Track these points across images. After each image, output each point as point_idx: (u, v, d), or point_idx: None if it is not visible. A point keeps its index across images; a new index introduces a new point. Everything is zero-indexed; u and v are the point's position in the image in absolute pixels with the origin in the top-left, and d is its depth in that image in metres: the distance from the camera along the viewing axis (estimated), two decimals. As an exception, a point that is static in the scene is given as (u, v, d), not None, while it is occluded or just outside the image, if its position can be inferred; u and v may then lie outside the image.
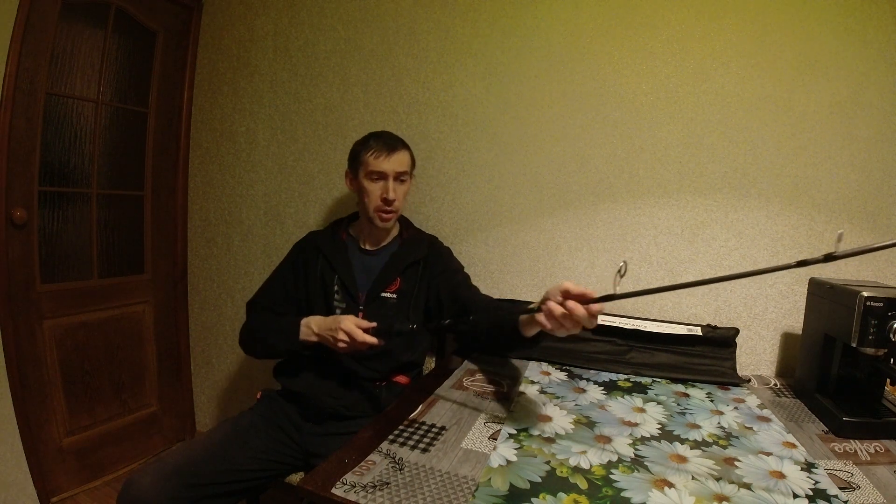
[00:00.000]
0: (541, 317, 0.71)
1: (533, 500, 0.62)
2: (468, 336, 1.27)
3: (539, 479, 0.66)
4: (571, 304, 0.65)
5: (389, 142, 1.16)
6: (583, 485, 0.65)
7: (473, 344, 1.26)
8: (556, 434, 0.81)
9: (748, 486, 0.66)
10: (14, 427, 1.38)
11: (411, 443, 0.76)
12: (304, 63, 1.63)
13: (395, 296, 1.16)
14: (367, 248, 1.23)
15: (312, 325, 1.06)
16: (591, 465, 0.71)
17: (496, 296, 1.41)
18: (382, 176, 1.14)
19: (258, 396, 1.19)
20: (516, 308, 0.95)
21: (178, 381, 1.91)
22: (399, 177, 1.16)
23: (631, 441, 0.80)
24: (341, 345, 0.99)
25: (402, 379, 1.18)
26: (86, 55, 1.53)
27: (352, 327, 0.97)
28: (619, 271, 0.65)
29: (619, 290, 0.64)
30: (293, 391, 1.13)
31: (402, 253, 1.20)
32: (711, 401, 1.00)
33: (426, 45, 1.47)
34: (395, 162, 1.15)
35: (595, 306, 0.66)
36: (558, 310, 0.67)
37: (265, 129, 1.70)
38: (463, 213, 1.47)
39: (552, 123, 1.36)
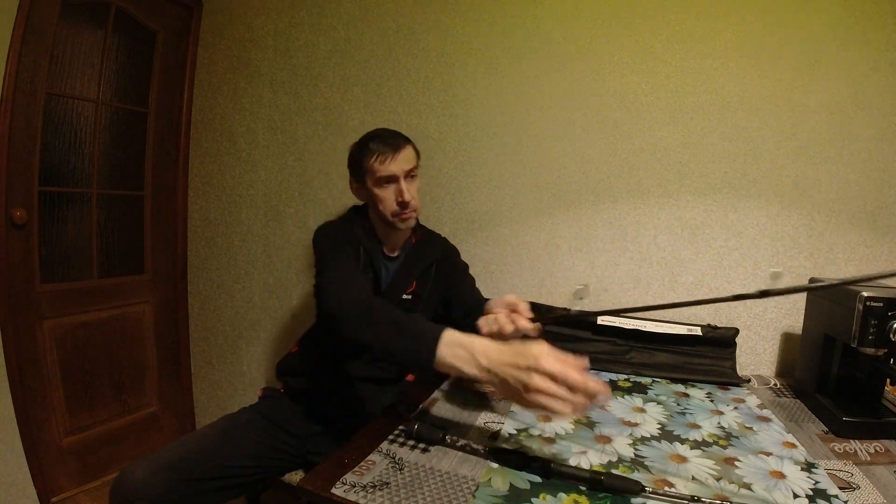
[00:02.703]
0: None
1: (533, 500, 0.62)
2: None
3: (539, 480, 0.66)
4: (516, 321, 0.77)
5: (391, 141, 1.06)
6: (583, 485, 0.65)
7: None
8: (556, 434, 0.81)
9: (748, 486, 0.66)
10: (14, 427, 1.38)
11: (411, 443, 0.76)
12: (304, 63, 1.63)
13: (410, 297, 1.15)
14: (387, 252, 1.16)
15: (479, 356, 0.68)
16: (591, 466, 0.71)
17: (496, 296, 1.41)
18: (392, 179, 1.05)
19: (260, 394, 1.19)
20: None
21: (178, 381, 1.91)
22: (409, 174, 1.07)
23: (631, 441, 0.80)
24: (540, 399, 0.61)
25: (411, 377, 1.18)
26: (86, 55, 1.53)
27: (565, 370, 0.61)
28: (577, 294, 0.69)
29: (574, 310, 0.70)
30: (297, 390, 1.12)
31: (416, 254, 1.17)
32: (711, 401, 1.00)
33: (426, 45, 1.47)
34: (402, 161, 1.05)
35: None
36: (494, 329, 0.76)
37: (265, 129, 1.70)
38: (463, 213, 1.46)
39: (552, 123, 1.36)
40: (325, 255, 1.02)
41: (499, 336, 0.81)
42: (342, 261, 1.00)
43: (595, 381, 0.61)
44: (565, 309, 0.72)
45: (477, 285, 1.23)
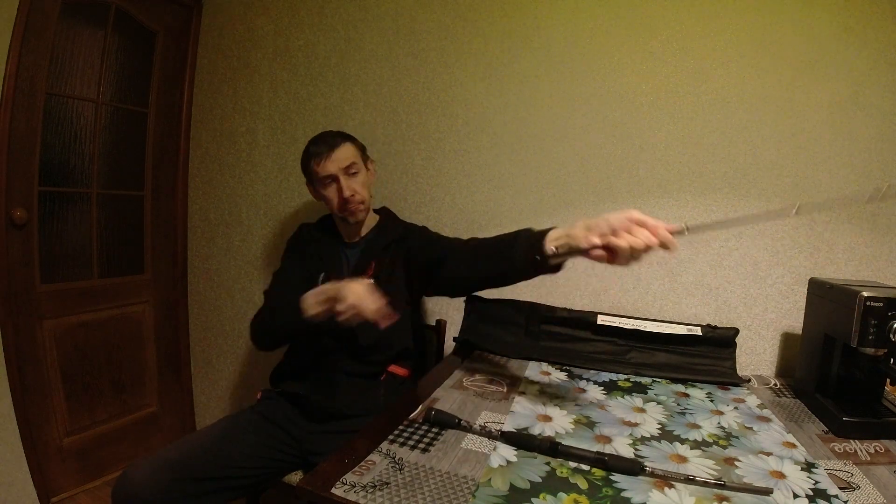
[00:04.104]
0: (610, 255, 0.71)
1: (533, 500, 0.62)
2: (458, 282, 1.08)
3: (539, 480, 0.66)
4: (663, 234, 0.69)
5: (327, 141, 1.15)
6: (583, 485, 0.65)
7: (467, 286, 1.13)
8: (556, 434, 0.81)
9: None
10: (14, 427, 1.38)
11: (411, 443, 0.76)
12: (304, 63, 1.63)
13: (371, 280, 1.14)
14: (347, 241, 1.26)
15: (328, 291, 0.94)
16: (591, 466, 0.71)
17: (496, 297, 1.41)
18: (332, 178, 1.14)
19: (258, 396, 1.19)
20: (534, 241, 0.83)
21: (178, 381, 1.91)
22: (348, 171, 1.15)
23: (631, 441, 0.80)
24: (341, 309, 0.88)
25: (400, 370, 1.18)
26: (86, 55, 1.53)
27: (360, 291, 0.87)
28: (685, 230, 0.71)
29: (688, 231, 0.70)
30: (292, 394, 1.13)
31: (376, 239, 1.23)
32: (711, 401, 1.00)
33: (426, 45, 1.47)
34: (337, 160, 1.13)
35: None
36: (642, 243, 0.68)
37: (265, 129, 1.70)
38: (463, 213, 1.46)
39: (552, 123, 1.36)
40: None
41: (624, 258, 0.70)
42: (275, 284, 1.21)
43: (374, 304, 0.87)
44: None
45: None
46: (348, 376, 1.12)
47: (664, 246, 0.69)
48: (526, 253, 0.83)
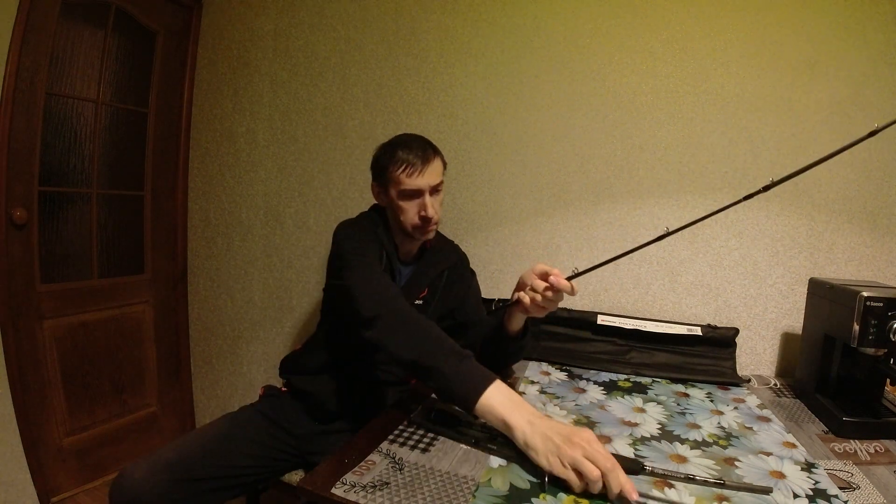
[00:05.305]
0: (524, 306, 0.88)
1: (533, 500, 0.62)
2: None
3: (539, 480, 0.66)
4: (554, 279, 0.84)
5: (420, 153, 1.01)
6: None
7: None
8: (556, 434, 0.81)
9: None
10: (14, 427, 1.38)
11: (411, 443, 0.76)
12: (304, 63, 1.63)
13: (421, 302, 1.14)
14: (401, 256, 1.13)
15: (528, 411, 0.70)
16: (591, 465, 0.70)
17: (496, 296, 1.42)
18: (417, 193, 1.02)
19: (261, 393, 1.19)
20: (497, 312, 1.02)
21: (178, 381, 1.91)
22: (435, 189, 1.03)
23: (631, 441, 0.80)
24: (574, 462, 0.62)
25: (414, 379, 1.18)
26: (86, 55, 1.53)
27: (606, 455, 0.62)
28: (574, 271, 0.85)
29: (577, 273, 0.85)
30: (300, 389, 1.12)
31: (430, 260, 1.16)
32: (711, 401, 1.00)
33: (426, 45, 1.47)
34: (429, 175, 1.01)
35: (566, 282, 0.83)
36: (538, 297, 0.85)
37: (265, 129, 1.70)
38: (463, 213, 1.47)
39: (552, 123, 1.36)
40: (349, 255, 0.97)
41: (538, 307, 0.88)
42: (369, 263, 0.96)
43: (625, 484, 0.59)
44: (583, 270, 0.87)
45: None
46: (366, 383, 1.11)
47: (566, 290, 0.84)
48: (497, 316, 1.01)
